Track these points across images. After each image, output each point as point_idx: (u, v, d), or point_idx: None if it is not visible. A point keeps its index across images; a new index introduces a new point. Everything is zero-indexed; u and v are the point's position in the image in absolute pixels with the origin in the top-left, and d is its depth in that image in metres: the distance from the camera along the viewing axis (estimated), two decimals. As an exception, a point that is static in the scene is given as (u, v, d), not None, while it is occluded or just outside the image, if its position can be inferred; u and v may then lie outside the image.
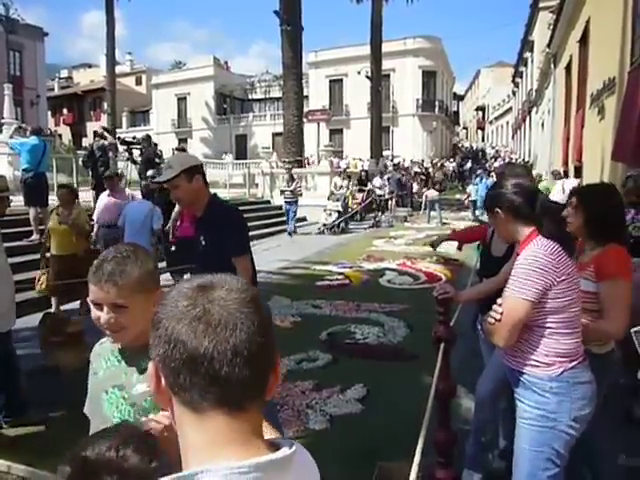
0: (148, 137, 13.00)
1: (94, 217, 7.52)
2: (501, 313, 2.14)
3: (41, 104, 39.35)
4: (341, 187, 17.33)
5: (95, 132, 13.59)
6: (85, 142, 40.83)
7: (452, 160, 39.01)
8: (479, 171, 17.96)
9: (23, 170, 9.24)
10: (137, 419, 1.52)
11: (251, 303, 0.79)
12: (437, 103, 41.07)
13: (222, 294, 0.79)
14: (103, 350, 1.68)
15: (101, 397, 1.59)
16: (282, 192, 15.95)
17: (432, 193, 18.03)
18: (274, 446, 0.79)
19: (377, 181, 20.23)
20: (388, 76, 36.47)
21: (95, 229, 7.39)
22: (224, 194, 17.13)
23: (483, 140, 62.28)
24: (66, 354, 5.13)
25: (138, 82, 52.91)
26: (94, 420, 1.64)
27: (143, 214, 6.77)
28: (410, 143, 38.02)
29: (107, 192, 7.59)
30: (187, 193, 3.10)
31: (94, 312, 1.54)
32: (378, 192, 19.54)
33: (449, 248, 10.04)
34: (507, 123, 51.78)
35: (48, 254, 6.50)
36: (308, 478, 0.83)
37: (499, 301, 2.19)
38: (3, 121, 15.02)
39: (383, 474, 2.77)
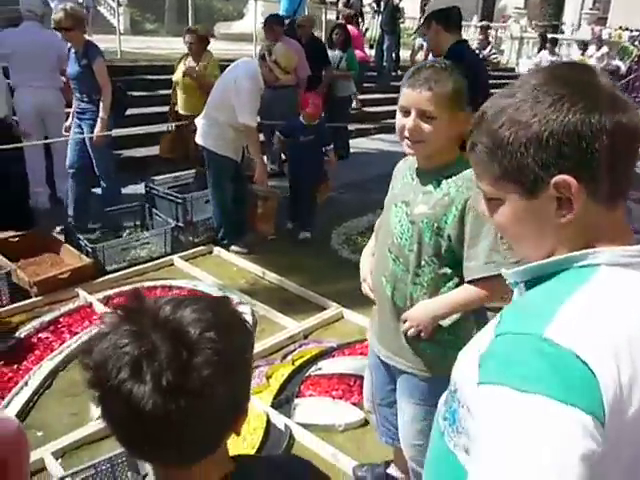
0: None
1: None
2: None
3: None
4: (590, 57, 14.90)
5: None
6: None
7: None
8: None
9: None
10: (412, 236, 1.61)
11: None
12: None
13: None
14: (404, 166, 1.77)
15: (391, 209, 1.71)
16: None
17: None
18: None
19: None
20: None
21: None
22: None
23: None
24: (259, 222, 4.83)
25: None
26: (380, 231, 1.79)
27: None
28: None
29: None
30: (428, 39, 3.14)
31: (399, 120, 1.58)
32: None
33: None
34: None
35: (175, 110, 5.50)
36: None
37: None
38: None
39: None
